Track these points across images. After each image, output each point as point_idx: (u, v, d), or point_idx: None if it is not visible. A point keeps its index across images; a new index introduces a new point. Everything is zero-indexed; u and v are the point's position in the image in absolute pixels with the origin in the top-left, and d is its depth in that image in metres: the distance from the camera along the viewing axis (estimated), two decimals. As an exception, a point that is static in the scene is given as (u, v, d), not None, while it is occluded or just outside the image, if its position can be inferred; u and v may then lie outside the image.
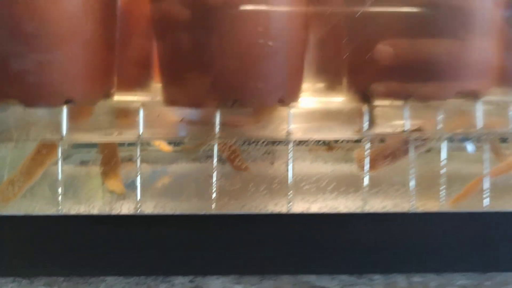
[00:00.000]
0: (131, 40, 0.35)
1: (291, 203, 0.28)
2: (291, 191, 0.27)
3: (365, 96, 0.29)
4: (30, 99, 0.27)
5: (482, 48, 0.27)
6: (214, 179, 0.28)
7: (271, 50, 0.27)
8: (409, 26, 0.26)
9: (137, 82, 0.39)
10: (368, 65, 0.28)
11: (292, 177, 0.28)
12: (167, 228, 0.27)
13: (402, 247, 0.27)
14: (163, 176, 0.43)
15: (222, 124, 0.29)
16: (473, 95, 0.28)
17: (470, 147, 0.37)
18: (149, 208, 0.30)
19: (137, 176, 0.28)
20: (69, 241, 0.27)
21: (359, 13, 0.26)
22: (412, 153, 0.28)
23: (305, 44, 0.29)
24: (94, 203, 0.31)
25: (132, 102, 0.32)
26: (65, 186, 0.28)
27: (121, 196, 0.34)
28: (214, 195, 0.28)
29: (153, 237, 0.27)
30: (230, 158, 0.38)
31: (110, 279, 0.27)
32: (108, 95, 0.31)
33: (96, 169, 0.38)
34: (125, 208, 0.29)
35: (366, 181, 0.28)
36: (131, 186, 0.29)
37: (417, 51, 0.26)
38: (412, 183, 0.28)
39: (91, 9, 0.28)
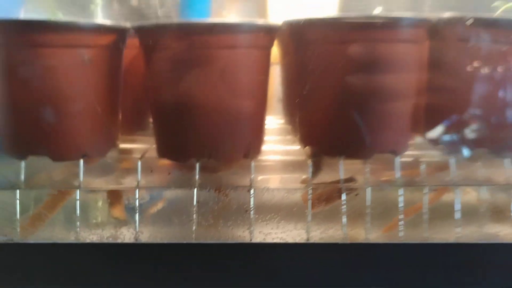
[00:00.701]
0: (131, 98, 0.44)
1: (252, 234, 0.36)
2: (253, 226, 0.36)
3: (310, 152, 0.38)
4: (56, 155, 0.36)
5: (398, 119, 0.36)
6: (195, 216, 0.37)
7: (237, 120, 0.36)
8: (339, 101, 0.35)
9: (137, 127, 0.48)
10: (310, 130, 0.37)
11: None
12: (158, 252, 0.36)
13: (335, 268, 0.36)
14: (158, 201, 0.52)
15: (203, 169, 0.38)
16: (393, 153, 0.37)
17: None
18: (147, 231, 0.38)
19: (135, 213, 0.37)
20: (82, 262, 0.36)
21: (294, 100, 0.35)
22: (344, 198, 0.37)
23: (265, 110, 0.38)
24: (102, 231, 0.39)
25: (133, 151, 0.41)
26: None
27: (123, 222, 0.43)
28: (194, 227, 0.37)
29: (148, 259, 0.36)
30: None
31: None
32: (114, 146, 0.40)
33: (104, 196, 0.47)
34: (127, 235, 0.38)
35: (309, 217, 0.37)
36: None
37: (345, 123, 0.35)
38: (344, 220, 0.37)
39: (103, 87, 0.37)
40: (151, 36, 0.35)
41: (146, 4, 0.79)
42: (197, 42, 0.33)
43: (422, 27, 0.35)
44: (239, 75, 0.35)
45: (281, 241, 0.36)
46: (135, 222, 0.37)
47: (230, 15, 0.82)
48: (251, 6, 0.82)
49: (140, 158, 0.38)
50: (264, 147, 0.40)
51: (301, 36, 0.35)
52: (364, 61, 0.33)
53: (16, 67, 0.34)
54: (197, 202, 0.37)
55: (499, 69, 0.35)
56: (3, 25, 0.34)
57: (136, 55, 0.44)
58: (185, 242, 0.36)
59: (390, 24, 0.34)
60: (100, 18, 0.77)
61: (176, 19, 0.70)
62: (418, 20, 0.35)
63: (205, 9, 0.74)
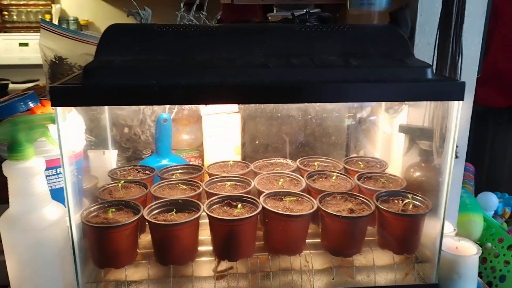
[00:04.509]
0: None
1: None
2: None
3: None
4: (117, 266, 0.93)
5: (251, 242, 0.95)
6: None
7: (189, 250, 0.94)
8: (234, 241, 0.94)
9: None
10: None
11: None
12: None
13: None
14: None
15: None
16: (247, 257, 0.97)
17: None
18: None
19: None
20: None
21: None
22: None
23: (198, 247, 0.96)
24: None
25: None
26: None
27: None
28: (171, 290, 0.95)
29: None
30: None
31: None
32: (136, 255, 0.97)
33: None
34: None
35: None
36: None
37: (234, 246, 0.94)
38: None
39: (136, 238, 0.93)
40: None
41: (133, 133, 1.33)
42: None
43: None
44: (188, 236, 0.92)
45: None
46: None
47: (182, 135, 1.37)
48: (195, 129, 1.37)
49: (148, 264, 0.95)
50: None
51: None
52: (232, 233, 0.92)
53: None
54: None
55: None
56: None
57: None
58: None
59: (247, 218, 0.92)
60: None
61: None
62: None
63: (168, 136, 1.28)
